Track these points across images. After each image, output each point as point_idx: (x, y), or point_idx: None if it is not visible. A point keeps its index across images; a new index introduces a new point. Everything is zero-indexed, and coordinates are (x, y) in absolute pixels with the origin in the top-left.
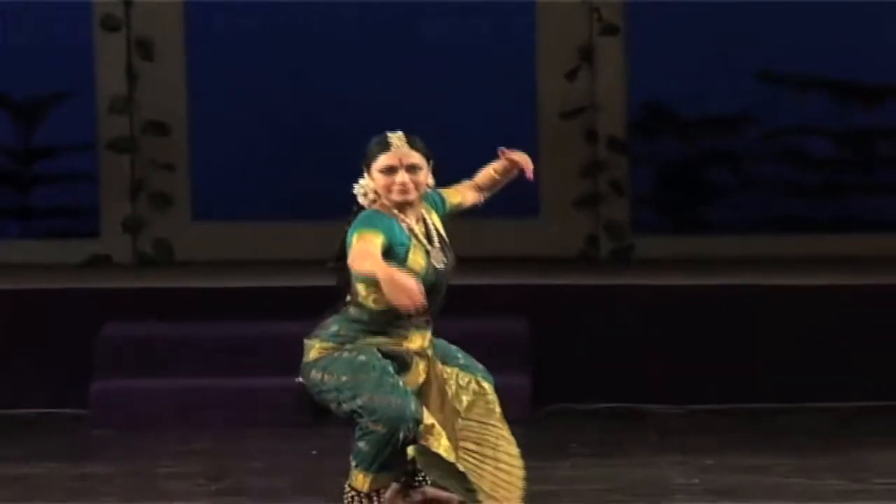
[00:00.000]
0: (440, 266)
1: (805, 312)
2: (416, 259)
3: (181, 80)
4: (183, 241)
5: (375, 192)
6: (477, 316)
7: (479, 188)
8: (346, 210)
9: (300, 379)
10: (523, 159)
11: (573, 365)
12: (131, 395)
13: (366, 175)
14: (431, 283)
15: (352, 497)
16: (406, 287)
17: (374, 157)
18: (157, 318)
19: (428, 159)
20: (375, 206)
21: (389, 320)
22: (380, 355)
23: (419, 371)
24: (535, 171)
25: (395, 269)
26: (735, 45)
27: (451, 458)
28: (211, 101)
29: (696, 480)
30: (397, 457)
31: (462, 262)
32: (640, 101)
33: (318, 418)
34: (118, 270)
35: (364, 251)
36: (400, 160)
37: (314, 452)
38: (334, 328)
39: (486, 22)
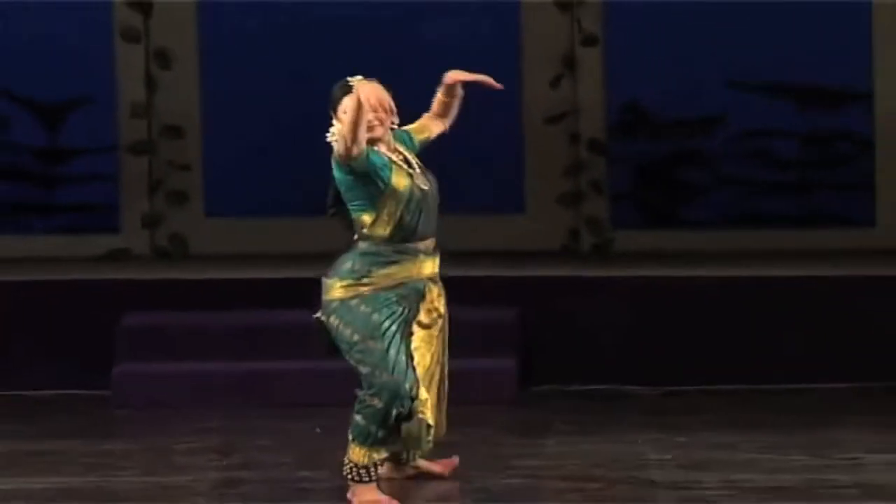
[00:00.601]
0: (424, 186)
1: (772, 301)
2: (399, 180)
3: (195, 87)
4: (197, 236)
5: None
6: (468, 305)
7: (438, 115)
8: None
9: (320, 314)
10: (463, 76)
11: (558, 350)
12: (149, 379)
13: (334, 120)
14: (418, 200)
15: (350, 469)
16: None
17: (338, 101)
18: (172, 307)
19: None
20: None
21: (397, 248)
22: (395, 305)
23: (433, 297)
24: (522, 170)
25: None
26: (707, 53)
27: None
28: (223, 106)
29: (670, 456)
30: (393, 432)
31: (454, 255)
32: (619, 106)
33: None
34: (137, 263)
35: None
36: (365, 95)
37: (317, 430)
38: (348, 264)
39: (477, 33)
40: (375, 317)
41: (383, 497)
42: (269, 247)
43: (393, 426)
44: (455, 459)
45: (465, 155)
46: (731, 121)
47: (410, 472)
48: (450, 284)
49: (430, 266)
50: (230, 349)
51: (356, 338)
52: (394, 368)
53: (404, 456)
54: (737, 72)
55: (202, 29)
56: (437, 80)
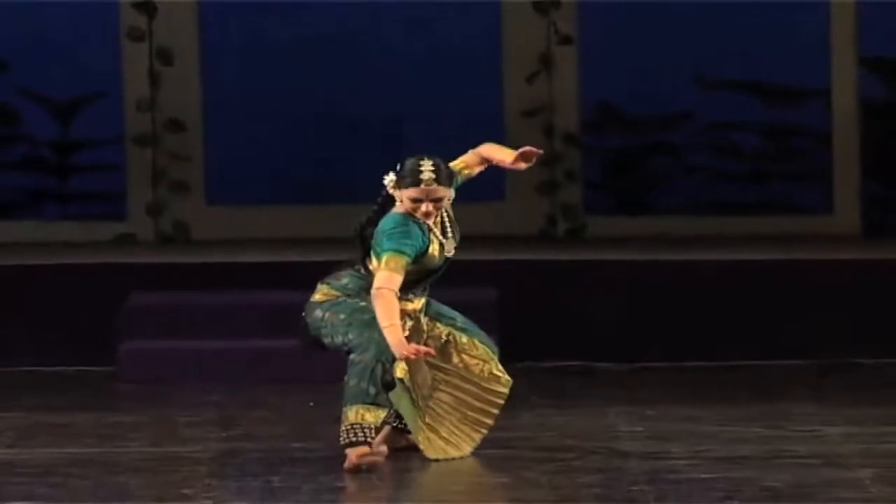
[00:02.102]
0: (448, 254)
1: (735, 283)
2: (433, 254)
3: (196, 84)
4: (198, 223)
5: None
6: (451, 286)
7: (482, 160)
8: (338, 194)
9: (304, 314)
10: (498, 157)
11: (534, 328)
12: (154, 355)
13: (397, 187)
14: (437, 268)
15: (345, 433)
16: (399, 347)
17: (405, 185)
18: (175, 288)
19: (451, 184)
20: (405, 213)
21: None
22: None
23: (405, 328)
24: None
25: (397, 327)
26: (674, 52)
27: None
28: (222, 101)
29: (640, 428)
30: (382, 391)
31: None
32: (592, 102)
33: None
34: (142, 248)
35: (390, 288)
36: (427, 195)
37: (311, 404)
38: (344, 281)
39: (459, 34)
40: (362, 303)
41: (372, 449)
42: (265, 233)
43: (382, 386)
44: None
45: (450, 147)
46: (696, 115)
47: (402, 442)
48: None
49: (416, 303)
50: (229, 328)
51: (342, 317)
52: (380, 331)
53: (399, 423)
54: (702, 70)
55: (203, 28)
56: (423, 78)
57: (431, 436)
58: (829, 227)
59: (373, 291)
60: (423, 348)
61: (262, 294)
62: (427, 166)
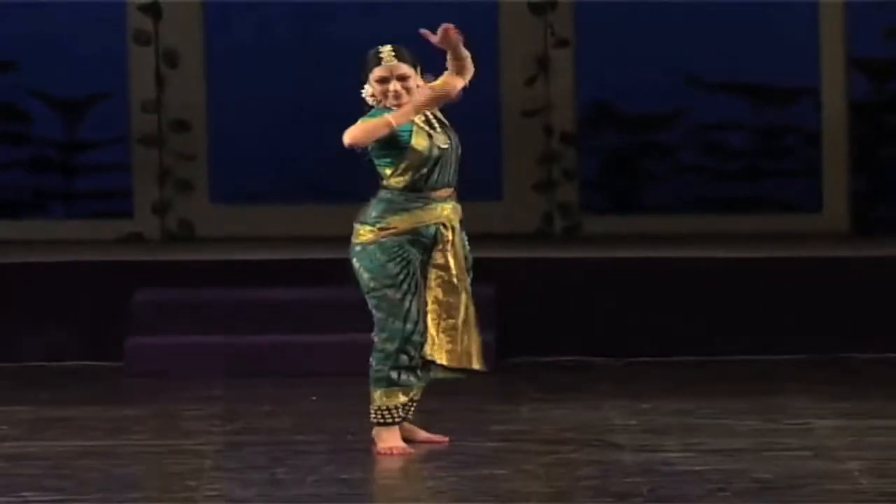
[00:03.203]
0: (443, 145)
1: (726, 280)
2: (419, 141)
3: (201, 85)
4: (203, 221)
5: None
6: None
7: (457, 73)
8: (340, 193)
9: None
10: (443, 35)
11: (532, 324)
12: (159, 350)
13: (364, 81)
14: (437, 157)
15: (374, 412)
16: (370, 125)
17: (369, 70)
18: (180, 285)
19: (415, 66)
20: (380, 106)
21: (409, 197)
22: (407, 253)
23: (447, 237)
24: (500, 160)
25: (385, 117)
26: (667, 54)
27: (443, 360)
28: (226, 102)
29: (634, 421)
30: (406, 374)
31: None
32: (588, 102)
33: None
34: (148, 245)
35: (353, 127)
36: (391, 71)
37: (313, 398)
38: (373, 212)
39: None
40: (391, 266)
41: (402, 444)
42: (268, 231)
43: (406, 368)
44: (445, 440)
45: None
46: (688, 115)
47: (417, 437)
48: None
49: (442, 211)
50: (233, 323)
51: (373, 284)
52: (406, 317)
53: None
54: (693, 70)
55: (208, 31)
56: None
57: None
58: (818, 224)
59: (345, 139)
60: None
61: (265, 290)
62: (386, 47)
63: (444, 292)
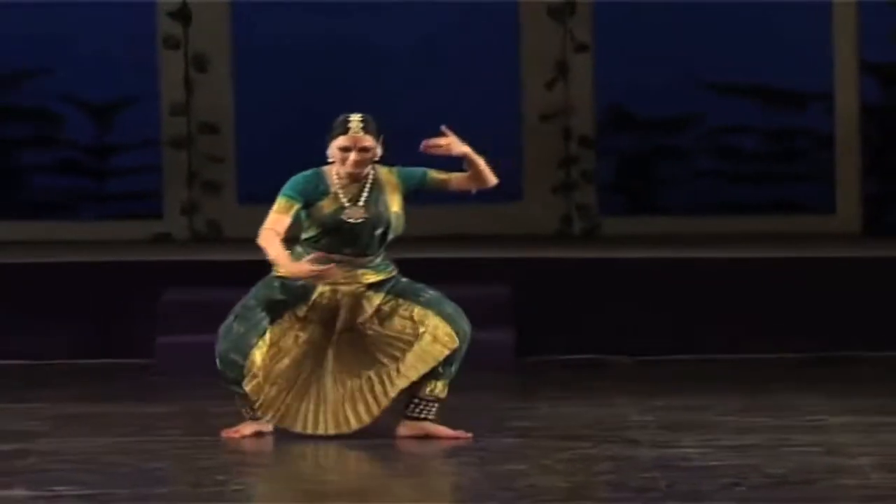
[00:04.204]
0: (350, 219)
1: (740, 279)
2: (322, 207)
3: (229, 88)
4: (230, 222)
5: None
6: (470, 283)
7: (469, 177)
8: None
9: None
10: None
11: (550, 324)
12: (188, 348)
13: (328, 143)
14: (334, 227)
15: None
16: (297, 272)
17: (335, 136)
18: (208, 284)
19: (378, 138)
20: (337, 169)
21: (309, 252)
22: (278, 293)
23: (317, 299)
24: (520, 162)
25: (281, 254)
26: (683, 59)
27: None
28: (253, 105)
29: (650, 418)
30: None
31: (459, 238)
32: (606, 106)
33: None
34: (177, 246)
35: (270, 227)
36: (355, 142)
37: None
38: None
39: (480, 42)
40: (250, 300)
41: (246, 432)
42: (294, 231)
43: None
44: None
45: (471, 148)
46: (703, 119)
47: (404, 430)
48: (456, 265)
49: (342, 276)
50: None
51: (236, 307)
52: (226, 336)
53: (412, 412)
54: (709, 76)
55: (235, 36)
56: (447, 84)
57: (308, 407)
58: (831, 226)
59: (261, 228)
60: (317, 268)
61: None
62: (355, 117)
63: (297, 346)
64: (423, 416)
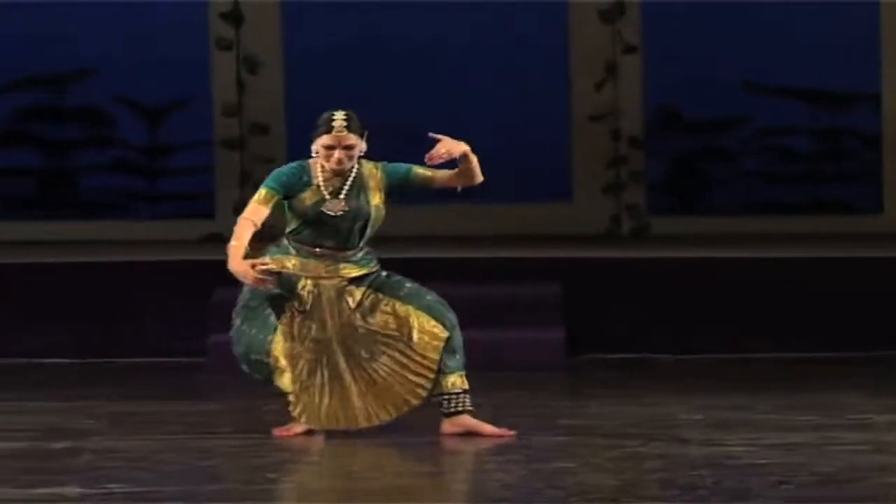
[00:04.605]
0: (330, 212)
1: (787, 279)
2: (304, 199)
3: (280, 89)
4: (282, 222)
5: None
6: (521, 282)
7: (457, 174)
8: (415, 195)
9: None
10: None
11: (600, 323)
12: None
13: (312, 140)
14: (314, 218)
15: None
16: (232, 264)
17: (319, 134)
18: None
19: (363, 134)
20: (321, 165)
21: (294, 245)
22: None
23: (305, 295)
24: (570, 163)
25: (238, 249)
26: (731, 60)
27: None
28: (304, 106)
29: (699, 416)
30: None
31: (509, 238)
32: (654, 107)
33: None
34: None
35: (247, 217)
36: (339, 141)
37: None
38: (271, 246)
39: (530, 44)
40: (246, 296)
41: (295, 431)
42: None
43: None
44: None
45: (521, 149)
46: (751, 120)
47: (447, 428)
48: (506, 265)
49: (316, 268)
50: None
51: (237, 307)
52: (240, 339)
53: (448, 408)
54: (758, 76)
55: (286, 37)
56: (495, 83)
57: (330, 403)
58: (878, 225)
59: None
60: (254, 275)
61: None
62: (339, 115)
63: (303, 343)
64: (459, 409)
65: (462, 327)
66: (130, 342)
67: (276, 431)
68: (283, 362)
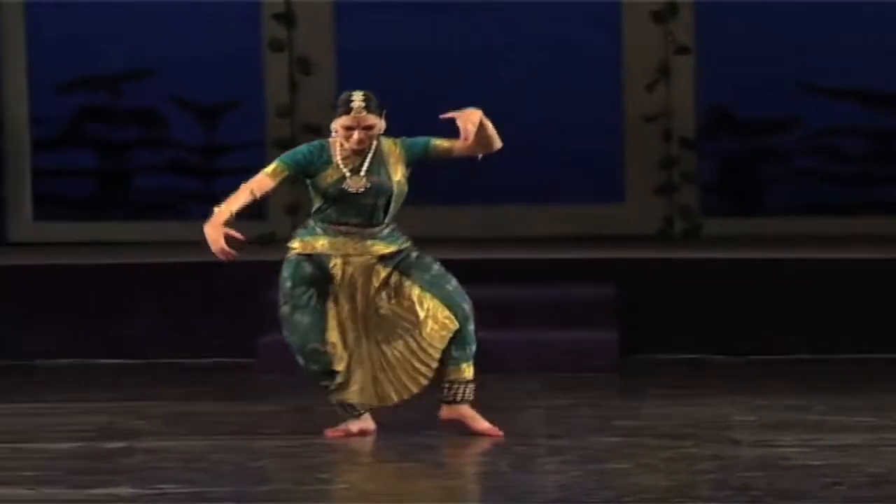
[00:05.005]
0: (353, 189)
1: (840, 280)
2: (325, 178)
3: (332, 90)
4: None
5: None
6: (574, 283)
7: (475, 143)
8: (472, 195)
9: None
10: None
11: (653, 323)
12: None
13: (334, 121)
14: (337, 196)
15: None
16: (207, 230)
17: (339, 114)
18: None
19: (381, 113)
20: (340, 144)
21: (321, 225)
22: (307, 271)
23: (337, 273)
24: (622, 164)
25: (222, 214)
26: (783, 60)
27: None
28: None
29: (752, 417)
30: (326, 379)
31: (562, 239)
32: (707, 108)
33: None
34: (281, 245)
35: (249, 185)
36: (358, 122)
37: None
38: (299, 229)
39: (583, 44)
40: (287, 283)
41: (354, 430)
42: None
43: (318, 374)
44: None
45: (573, 151)
46: (803, 120)
47: (444, 414)
48: (559, 266)
49: (345, 245)
50: None
51: (279, 294)
52: (294, 330)
53: (445, 395)
54: (810, 76)
55: (339, 39)
56: (547, 84)
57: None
58: None
59: None
60: (222, 246)
61: None
62: (358, 96)
63: (345, 323)
64: (458, 398)
65: (515, 328)
66: (183, 342)
67: (328, 432)
68: (340, 350)
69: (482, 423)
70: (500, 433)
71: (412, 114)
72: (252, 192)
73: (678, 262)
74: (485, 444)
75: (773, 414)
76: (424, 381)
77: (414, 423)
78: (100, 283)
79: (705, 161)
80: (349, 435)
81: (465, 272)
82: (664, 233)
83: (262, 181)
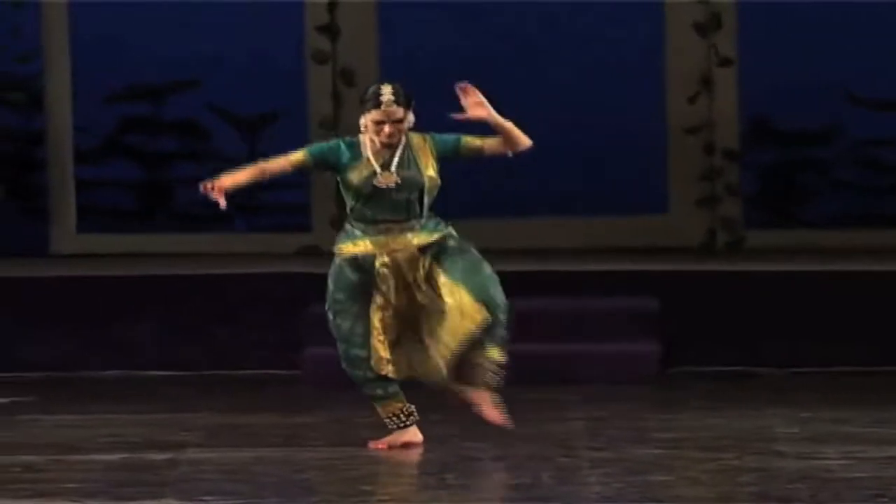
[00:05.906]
0: (382, 185)
1: (883, 293)
2: (354, 174)
3: None
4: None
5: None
6: (616, 295)
7: (502, 142)
8: (511, 208)
9: None
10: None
11: (695, 335)
12: (335, 360)
13: (361, 116)
14: (370, 193)
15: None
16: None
17: (368, 108)
18: None
19: (409, 105)
20: (370, 139)
21: (358, 226)
22: (350, 276)
23: (380, 270)
24: (665, 175)
25: (225, 180)
26: (825, 72)
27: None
28: None
29: (795, 429)
30: (372, 387)
31: (604, 251)
32: (749, 119)
33: None
34: (325, 258)
35: (264, 162)
36: (388, 116)
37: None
38: (342, 232)
39: (626, 56)
40: (330, 289)
41: (402, 442)
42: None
43: (364, 383)
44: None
45: (616, 162)
46: (846, 132)
47: (458, 391)
48: (601, 277)
49: (387, 241)
50: None
51: (327, 302)
52: (340, 335)
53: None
54: (852, 88)
55: (382, 50)
56: (590, 95)
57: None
58: None
59: None
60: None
61: None
62: (387, 89)
63: (386, 315)
64: (476, 381)
65: (559, 340)
66: (226, 354)
67: (372, 444)
68: (381, 355)
69: (492, 412)
70: (511, 424)
71: (455, 123)
72: (262, 171)
73: (721, 274)
74: (527, 456)
75: (815, 426)
76: (444, 371)
77: (457, 435)
78: (140, 295)
79: (748, 173)
80: (392, 447)
81: (507, 284)
82: (707, 245)
83: (278, 164)
